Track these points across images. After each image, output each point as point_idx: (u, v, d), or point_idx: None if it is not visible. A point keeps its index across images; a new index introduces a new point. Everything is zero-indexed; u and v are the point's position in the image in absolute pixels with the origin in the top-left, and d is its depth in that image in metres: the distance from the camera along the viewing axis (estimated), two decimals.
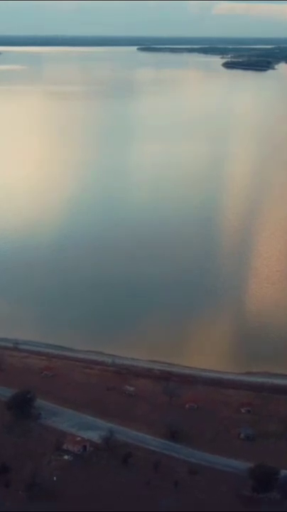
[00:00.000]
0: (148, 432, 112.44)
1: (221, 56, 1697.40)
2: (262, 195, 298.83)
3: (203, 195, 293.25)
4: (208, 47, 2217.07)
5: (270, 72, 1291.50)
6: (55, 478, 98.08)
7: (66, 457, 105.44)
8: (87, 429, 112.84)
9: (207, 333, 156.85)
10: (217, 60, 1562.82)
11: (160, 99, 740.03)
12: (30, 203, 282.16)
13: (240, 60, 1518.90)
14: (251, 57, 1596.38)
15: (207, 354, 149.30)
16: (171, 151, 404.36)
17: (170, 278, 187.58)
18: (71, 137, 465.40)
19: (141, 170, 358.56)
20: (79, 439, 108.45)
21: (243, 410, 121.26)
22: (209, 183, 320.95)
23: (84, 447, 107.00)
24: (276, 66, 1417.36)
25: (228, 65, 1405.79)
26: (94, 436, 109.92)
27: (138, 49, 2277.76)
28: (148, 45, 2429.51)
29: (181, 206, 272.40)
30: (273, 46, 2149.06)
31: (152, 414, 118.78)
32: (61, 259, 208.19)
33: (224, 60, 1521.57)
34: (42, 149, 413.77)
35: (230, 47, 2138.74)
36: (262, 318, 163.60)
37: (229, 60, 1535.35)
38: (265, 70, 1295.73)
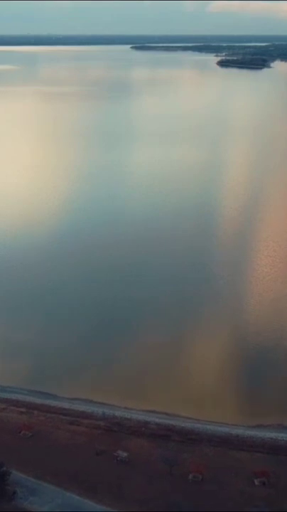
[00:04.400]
0: None
1: (215, 54, 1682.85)
2: (265, 198, 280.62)
3: (206, 203, 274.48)
4: (202, 45, 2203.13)
5: (266, 70, 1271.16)
6: None
7: None
8: None
9: (209, 376, 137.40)
10: (212, 59, 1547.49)
11: (157, 100, 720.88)
12: (19, 209, 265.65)
13: (235, 58, 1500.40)
14: (246, 55, 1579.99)
15: (210, 401, 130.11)
16: (172, 152, 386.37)
17: (169, 307, 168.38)
18: (68, 139, 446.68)
19: (140, 172, 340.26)
20: None
21: (257, 482, 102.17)
22: (213, 187, 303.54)
23: None
24: (272, 64, 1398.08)
25: (223, 64, 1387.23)
26: None
27: (131, 47, 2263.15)
28: (143, 43, 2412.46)
29: (183, 216, 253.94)
30: (267, 44, 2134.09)
31: (149, 490, 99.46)
32: (45, 280, 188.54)
33: (219, 59, 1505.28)
34: (37, 151, 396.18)
35: (224, 45, 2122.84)
36: (272, 357, 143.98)
37: (223, 58, 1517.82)
38: (260, 69, 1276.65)
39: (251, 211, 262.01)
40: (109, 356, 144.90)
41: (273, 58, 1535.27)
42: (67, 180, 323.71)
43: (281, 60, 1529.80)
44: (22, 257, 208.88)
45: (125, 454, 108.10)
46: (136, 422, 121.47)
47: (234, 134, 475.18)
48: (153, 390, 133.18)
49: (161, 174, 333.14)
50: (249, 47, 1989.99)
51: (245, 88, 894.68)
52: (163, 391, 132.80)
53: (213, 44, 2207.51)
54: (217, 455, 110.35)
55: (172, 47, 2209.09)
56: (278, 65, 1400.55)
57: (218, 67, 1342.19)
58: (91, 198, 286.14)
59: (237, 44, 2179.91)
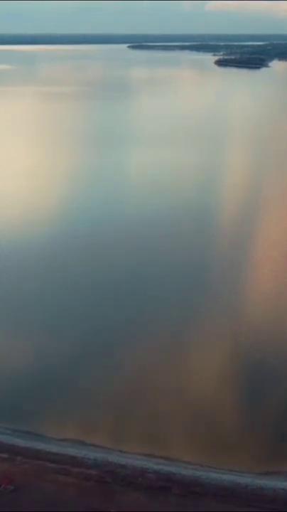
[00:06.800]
0: None
1: (213, 53, 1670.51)
2: (267, 200, 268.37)
3: (207, 203, 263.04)
4: (200, 44, 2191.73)
5: (264, 69, 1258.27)
6: None
7: None
8: None
9: (209, 410, 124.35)
10: (210, 58, 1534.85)
11: (156, 100, 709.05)
12: (19, 209, 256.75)
13: (232, 57, 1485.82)
14: (244, 54, 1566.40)
15: (211, 440, 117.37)
16: (172, 152, 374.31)
17: (170, 335, 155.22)
18: (67, 139, 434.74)
19: (140, 172, 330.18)
20: None
21: None
22: (214, 189, 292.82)
23: None
24: (270, 63, 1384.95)
25: (221, 63, 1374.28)
26: None
27: (129, 47, 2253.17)
28: (140, 42, 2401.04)
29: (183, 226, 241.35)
30: (265, 43, 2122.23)
31: None
32: (32, 298, 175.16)
33: (217, 58, 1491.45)
34: (36, 152, 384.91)
35: (222, 44, 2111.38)
36: (281, 389, 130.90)
37: (221, 57, 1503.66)
38: (259, 68, 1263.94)
39: (253, 215, 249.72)
40: (102, 387, 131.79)
41: (271, 57, 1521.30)
42: (66, 180, 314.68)
43: (279, 60, 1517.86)
44: (20, 257, 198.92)
45: None
46: (132, 470, 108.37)
47: (234, 134, 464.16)
48: (150, 428, 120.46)
49: (161, 174, 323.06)
50: (247, 46, 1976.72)
51: (244, 88, 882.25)
52: (160, 428, 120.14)
53: (211, 43, 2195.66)
54: None
55: (170, 46, 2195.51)
56: (276, 65, 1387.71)
57: (216, 67, 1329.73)
58: (90, 198, 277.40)
59: (235, 43, 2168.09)
